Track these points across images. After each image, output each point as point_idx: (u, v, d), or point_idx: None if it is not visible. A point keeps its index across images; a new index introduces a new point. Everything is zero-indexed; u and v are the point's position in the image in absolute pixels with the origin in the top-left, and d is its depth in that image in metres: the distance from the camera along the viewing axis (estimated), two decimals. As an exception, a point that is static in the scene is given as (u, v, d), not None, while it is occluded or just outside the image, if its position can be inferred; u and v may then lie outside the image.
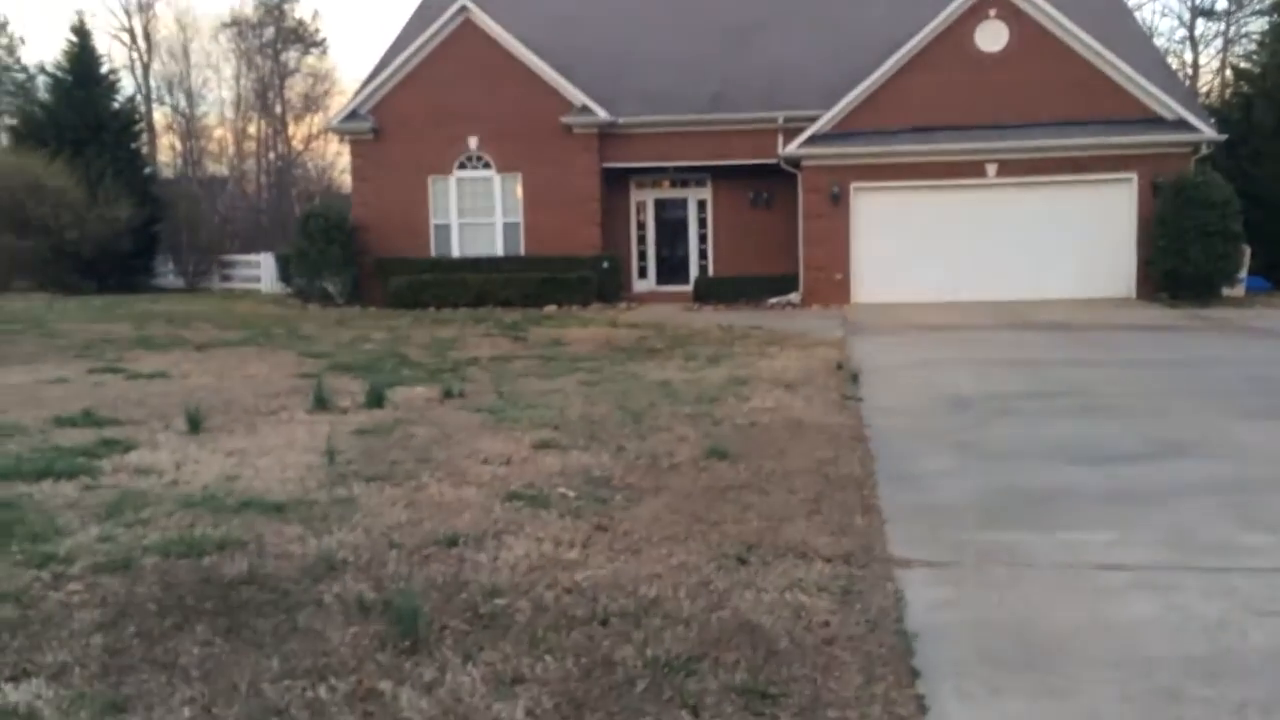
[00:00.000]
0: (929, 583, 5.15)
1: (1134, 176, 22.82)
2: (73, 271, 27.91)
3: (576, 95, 24.73)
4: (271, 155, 47.43)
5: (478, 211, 25.41)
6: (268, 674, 3.73)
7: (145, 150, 39.83)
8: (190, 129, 44.65)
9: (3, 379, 11.33)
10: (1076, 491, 6.75)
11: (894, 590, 4.97)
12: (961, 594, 5.02)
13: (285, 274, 25.78)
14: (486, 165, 25.30)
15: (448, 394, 9.93)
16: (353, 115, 25.26)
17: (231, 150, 47.11)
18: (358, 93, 25.65)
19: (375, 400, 9.35)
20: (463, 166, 25.34)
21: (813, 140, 23.62)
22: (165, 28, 44.06)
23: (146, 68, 42.58)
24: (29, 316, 19.82)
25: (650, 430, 8.33)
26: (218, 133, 45.91)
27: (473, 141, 25.14)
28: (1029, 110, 23.16)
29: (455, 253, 25.26)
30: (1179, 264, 21.74)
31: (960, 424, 9.00)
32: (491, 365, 13.02)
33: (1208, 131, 22.81)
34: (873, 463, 7.48)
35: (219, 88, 45.53)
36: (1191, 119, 22.87)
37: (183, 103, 44.35)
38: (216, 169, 46.90)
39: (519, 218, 25.28)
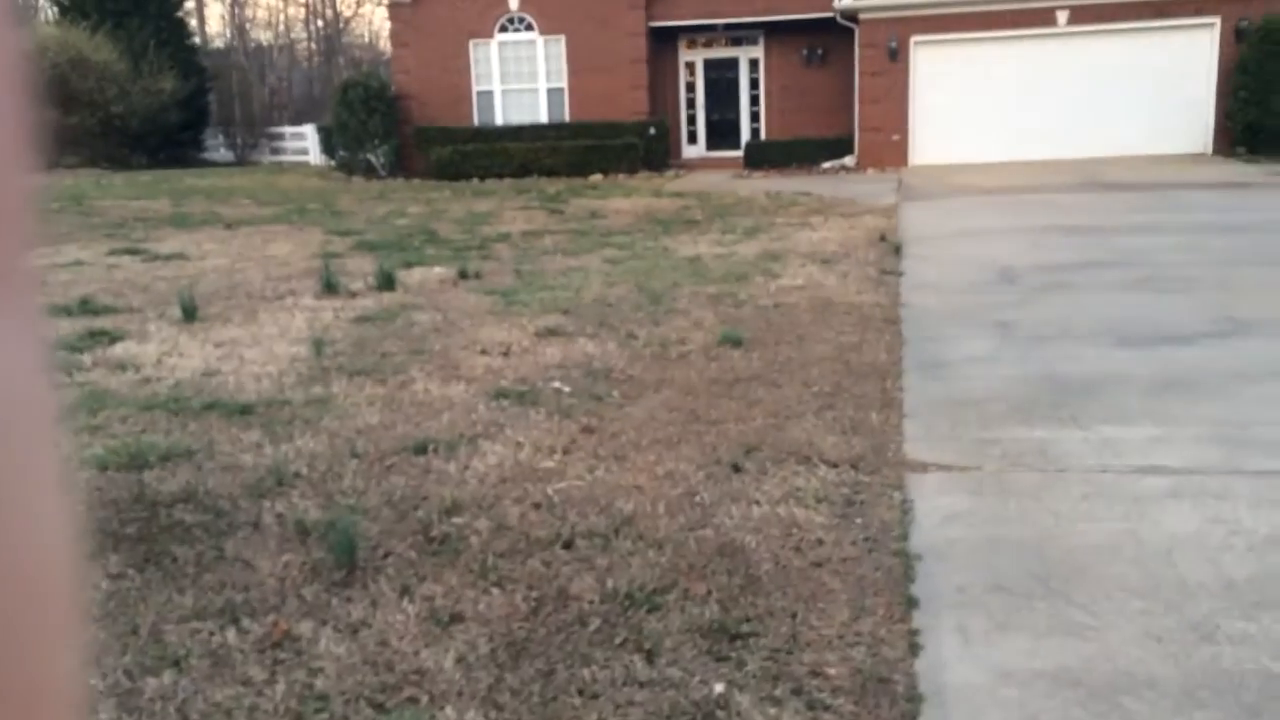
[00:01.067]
0: (943, 491, 4.62)
1: (1217, 21, 21.11)
2: (121, 146, 27.67)
3: (620, -51, 23.43)
4: (320, 23, 46.37)
5: (521, 77, 24.49)
6: (176, 614, 3.35)
7: (194, 21, 39.11)
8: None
9: (21, 263, 11.06)
10: (1123, 379, 6.10)
11: (901, 501, 4.45)
12: (978, 504, 4.49)
13: (328, 146, 25.24)
14: (529, 27, 24.24)
15: (464, 275, 9.44)
16: (389, -23, 24.30)
17: (280, 18, 46.11)
18: (394, -46, 24.56)
19: (386, 283, 8.90)
20: (504, 29, 24.32)
21: (870, -9, 22.17)
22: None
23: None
24: (74, 194, 19.64)
25: (666, 314, 7.78)
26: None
27: (513, 2, 24.05)
28: (1104, -48, 21.44)
29: (498, 120, 24.47)
30: (1260, 116, 20.26)
31: (1004, 301, 8.31)
32: (521, 241, 12.48)
33: (1302, -31, 20.90)
34: (901, 348, 6.87)
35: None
36: (1284, -44, 20.97)
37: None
38: (266, 38, 46.09)
39: (563, 83, 24.33)
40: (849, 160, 23.12)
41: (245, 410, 5.33)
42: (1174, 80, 21.39)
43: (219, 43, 43.05)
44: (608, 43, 23.83)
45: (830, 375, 6.16)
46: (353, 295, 8.77)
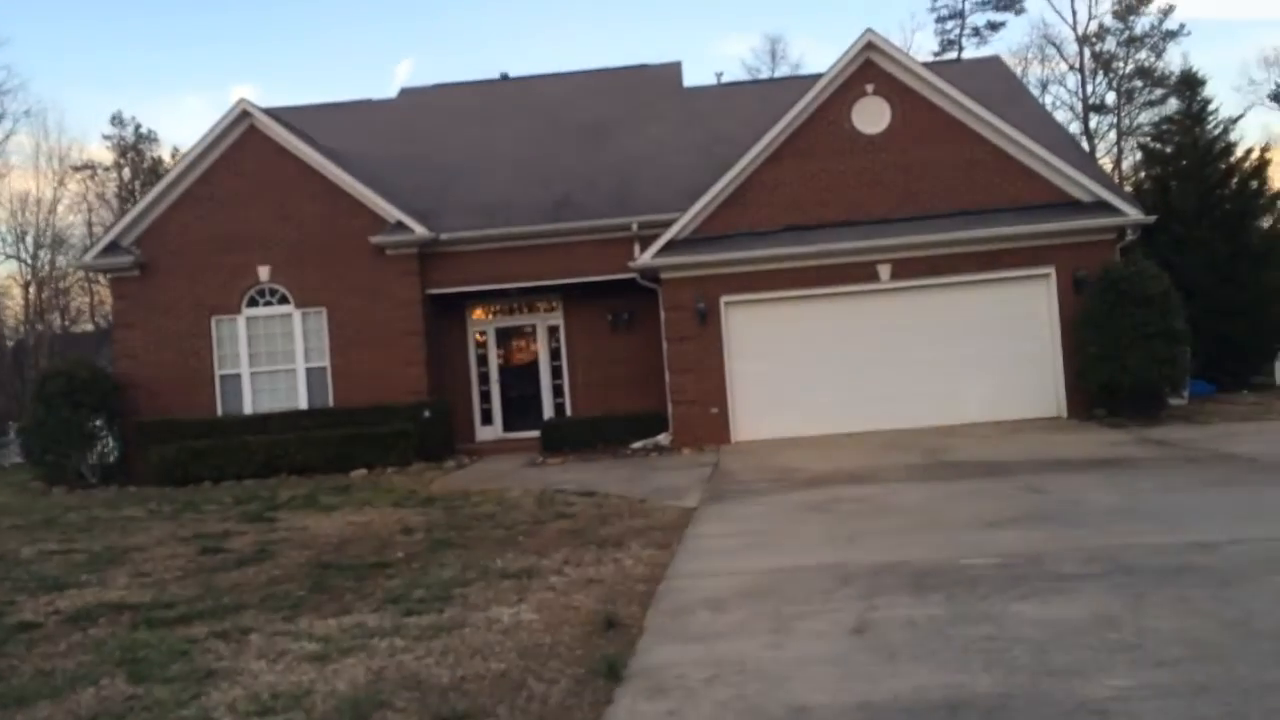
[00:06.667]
0: None
1: (1051, 270, 17.69)
2: None
3: (389, 210, 19.20)
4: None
5: (274, 357, 19.47)
6: None
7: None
8: (40, 281, 38.40)
9: None
10: None
11: None
12: None
13: (27, 449, 19.46)
14: (283, 300, 19.47)
15: None
16: (112, 248, 19.33)
17: (93, 302, 40.95)
18: (117, 221, 19.89)
19: None
20: (253, 303, 19.49)
21: (671, 248, 18.22)
22: (13, 173, 38.08)
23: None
24: None
25: None
26: (75, 284, 39.76)
27: (264, 271, 19.36)
28: (923, 200, 18.09)
29: (248, 409, 19.21)
30: (1116, 373, 16.48)
31: None
32: (14, 648, 7.01)
33: (1133, 213, 17.79)
34: None
35: (72, 235, 39.41)
36: (1114, 199, 17.91)
37: (27, 253, 38.22)
38: (85, 326, 40.88)
39: (325, 361, 19.38)
40: (663, 438, 18.47)
41: None
42: (1017, 336, 17.67)
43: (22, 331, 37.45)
44: (377, 314, 19.22)
45: None
46: None
